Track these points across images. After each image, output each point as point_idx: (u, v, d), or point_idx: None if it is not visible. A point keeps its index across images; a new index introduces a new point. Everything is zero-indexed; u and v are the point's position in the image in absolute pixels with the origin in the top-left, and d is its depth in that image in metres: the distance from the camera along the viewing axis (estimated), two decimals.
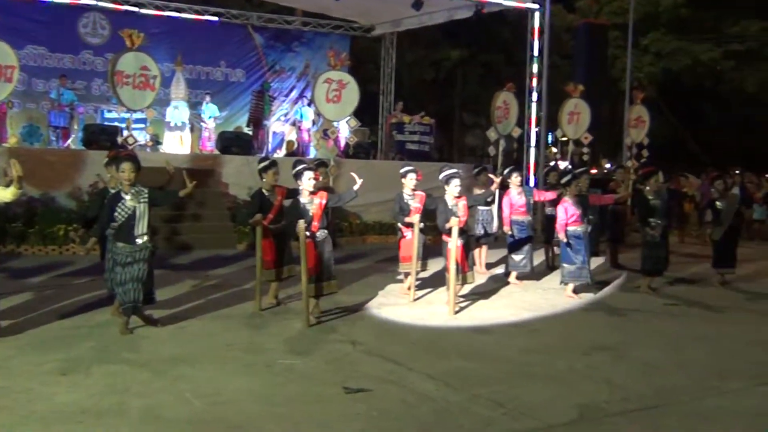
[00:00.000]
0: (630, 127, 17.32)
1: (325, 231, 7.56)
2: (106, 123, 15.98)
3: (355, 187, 7.81)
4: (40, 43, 17.85)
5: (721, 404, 5.33)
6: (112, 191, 7.45)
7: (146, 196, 6.88)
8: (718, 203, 10.46)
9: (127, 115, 13.39)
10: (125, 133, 13.07)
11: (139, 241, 6.82)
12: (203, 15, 19.30)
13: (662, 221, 9.78)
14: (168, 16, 18.78)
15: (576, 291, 9.29)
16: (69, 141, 16.35)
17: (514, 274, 10.21)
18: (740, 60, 29.38)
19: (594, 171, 11.20)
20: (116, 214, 6.80)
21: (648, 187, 9.89)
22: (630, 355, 6.61)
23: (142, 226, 6.84)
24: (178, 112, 16.95)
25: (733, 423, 4.96)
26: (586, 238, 9.29)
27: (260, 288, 8.06)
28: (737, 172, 17.82)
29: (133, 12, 17.87)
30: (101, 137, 14.22)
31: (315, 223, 7.36)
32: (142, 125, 15.45)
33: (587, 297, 9.32)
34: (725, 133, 31.24)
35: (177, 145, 16.79)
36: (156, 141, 16.76)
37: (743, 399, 5.46)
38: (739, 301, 9.47)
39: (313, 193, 7.45)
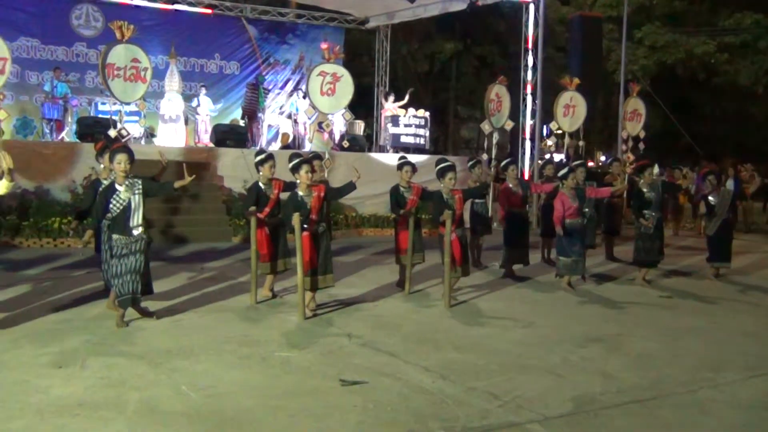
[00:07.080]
0: (626, 120, 17.26)
1: (323, 224, 7.58)
2: (99, 115, 15.94)
3: (354, 180, 7.83)
4: (33, 35, 17.89)
5: (715, 396, 5.35)
6: (104, 182, 7.44)
7: (140, 187, 6.84)
8: (710, 198, 10.48)
9: (120, 108, 13.33)
10: (118, 125, 13.03)
11: (135, 232, 6.79)
12: (196, 7, 19.23)
13: (656, 213, 9.81)
14: (161, 8, 18.72)
15: (571, 284, 9.32)
16: (63, 134, 16.30)
17: (510, 266, 10.21)
18: (734, 53, 29.43)
19: (591, 164, 11.18)
20: (111, 205, 6.77)
21: (642, 180, 9.93)
22: (624, 347, 6.63)
23: (137, 218, 6.81)
24: (172, 104, 16.90)
25: (727, 414, 4.98)
26: (582, 231, 9.31)
27: (256, 281, 8.06)
28: (747, 166, 17.47)
29: (125, 4, 17.81)
30: (95, 130, 14.20)
31: (313, 216, 7.36)
32: (136, 118, 15.43)
33: (582, 289, 9.34)
34: (719, 126, 31.34)
35: (172, 137, 16.74)
36: (150, 134, 16.71)
37: (737, 390, 5.48)
38: (733, 293, 9.50)
39: (310, 186, 7.45)
